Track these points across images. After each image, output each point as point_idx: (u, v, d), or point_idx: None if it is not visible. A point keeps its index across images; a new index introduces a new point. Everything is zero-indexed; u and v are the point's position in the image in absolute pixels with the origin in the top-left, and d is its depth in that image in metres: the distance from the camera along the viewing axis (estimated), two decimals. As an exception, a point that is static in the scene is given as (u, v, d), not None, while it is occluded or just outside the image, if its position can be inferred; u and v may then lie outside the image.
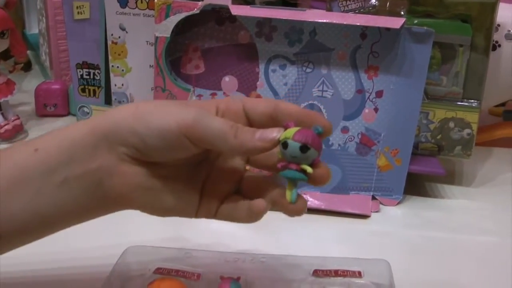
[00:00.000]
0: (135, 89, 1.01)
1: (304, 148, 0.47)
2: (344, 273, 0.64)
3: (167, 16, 0.86)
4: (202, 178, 0.55)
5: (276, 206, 0.53)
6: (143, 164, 0.51)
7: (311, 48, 0.89)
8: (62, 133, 0.51)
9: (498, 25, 0.98)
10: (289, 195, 0.50)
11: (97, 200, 0.51)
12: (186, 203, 0.54)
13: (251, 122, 0.53)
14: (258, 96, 0.90)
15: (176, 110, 0.50)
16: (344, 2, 0.90)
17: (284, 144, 0.48)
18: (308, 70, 0.89)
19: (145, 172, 0.51)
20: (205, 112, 0.50)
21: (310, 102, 0.90)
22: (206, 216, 0.55)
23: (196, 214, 0.54)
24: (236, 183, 0.56)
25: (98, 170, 0.50)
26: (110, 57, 1.01)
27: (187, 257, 0.65)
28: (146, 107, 0.51)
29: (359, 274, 0.64)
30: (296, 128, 0.48)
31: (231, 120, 0.51)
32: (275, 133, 0.48)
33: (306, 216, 0.84)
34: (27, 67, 1.45)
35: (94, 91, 1.08)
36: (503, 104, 1.27)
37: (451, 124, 0.92)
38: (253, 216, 0.53)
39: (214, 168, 0.55)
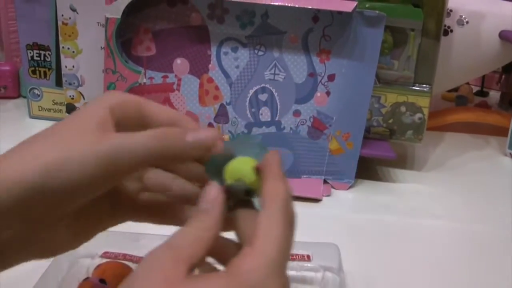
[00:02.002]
0: (86, 71, 1.00)
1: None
2: (293, 257, 0.64)
3: (117, -3, 0.85)
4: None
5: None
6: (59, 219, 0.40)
7: (263, 31, 0.88)
8: None
9: (450, 10, 0.99)
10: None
11: None
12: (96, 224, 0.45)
13: (147, 128, 0.43)
14: (210, 80, 0.89)
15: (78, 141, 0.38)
16: (296, -15, 0.89)
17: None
18: (260, 53, 0.89)
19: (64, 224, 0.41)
20: (118, 135, 0.40)
21: (262, 86, 0.89)
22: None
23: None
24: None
25: None
26: (60, 38, 0.99)
27: (135, 242, 0.65)
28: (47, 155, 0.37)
29: (307, 258, 0.64)
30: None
31: (124, 125, 0.42)
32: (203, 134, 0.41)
33: (256, 200, 0.85)
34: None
35: (45, 72, 1.07)
36: (455, 90, 1.28)
37: (403, 108, 0.92)
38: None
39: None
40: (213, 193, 0.40)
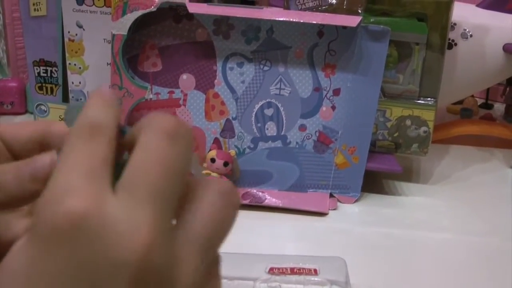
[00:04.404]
0: (93, 87, 1.01)
1: None
2: (300, 271, 0.64)
3: (124, 13, 0.86)
4: None
5: None
6: None
7: (268, 46, 0.89)
8: None
9: (455, 24, 0.99)
10: None
11: None
12: None
13: (16, 154, 0.39)
14: (216, 95, 0.90)
15: None
16: (301, 0, 0.90)
17: None
18: (266, 68, 0.89)
19: None
20: None
21: (267, 100, 0.90)
22: None
23: None
24: None
25: None
26: (67, 55, 1.00)
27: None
28: None
29: (314, 272, 0.64)
30: None
31: None
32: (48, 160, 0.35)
33: (263, 214, 0.85)
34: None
35: (52, 89, 1.07)
36: (460, 102, 1.29)
37: (408, 122, 0.92)
38: None
39: None
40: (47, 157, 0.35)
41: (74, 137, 0.31)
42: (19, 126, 0.39)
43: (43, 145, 0.38)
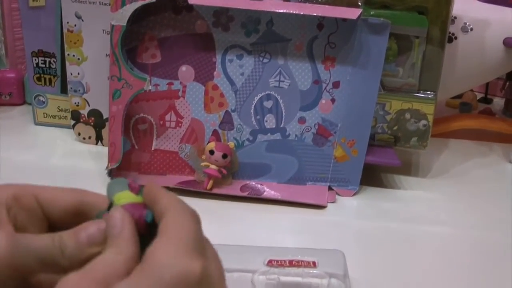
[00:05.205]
0: (91, 78, 1.00)
1: None
2: (299, 263, 0.64)
3: (123, 4, 0.85)
4: None
5: None
6: None
7: (268, 38, 0.88)
8: None
9: (455, 17, 0.99)
10: None
11: None
12: None
13: (52, 219, 0.43)
14: (215, 87, 0.90)
15: None
16: (301, -7, 0.90)
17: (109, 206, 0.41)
18: (265, 60, 0.89)
19: None
20: (17, 237, 0.38)
21: (267, 93, 0.90)
22: None
23: None
24: None
25: None
26: (66, 46, 0.99)
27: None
28: None
29: (313, 264, 0.64)
30: (129, 197, 0.41)
31: (24, 220, 0.41)
32: (95, 229, 0.39)
33: (261, 207, 0.85)
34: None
35: (50, 79, 1.07)
36: (459, 96, 1.28)
37: (407, 115, 0.92)
38: None
39: None
40: (118, 215, 0.39)
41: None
42: (57, 192, 0.43)
43: (77, 212, 0.43)
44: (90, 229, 0.39)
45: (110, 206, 0.41)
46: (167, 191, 0.41)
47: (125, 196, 0.41)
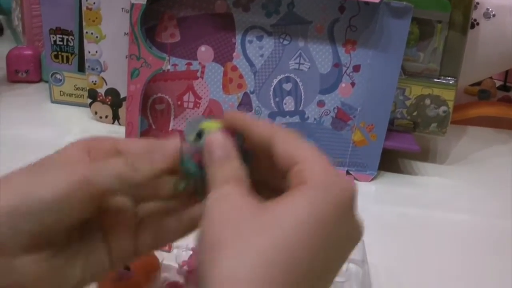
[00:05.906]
0: (109, 57, 1.00)
1: None
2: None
3: (143, -18, 0.85)
4: (97, 231, 0.42)
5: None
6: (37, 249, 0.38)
7: (288, 20, 0.88)
8: None
9: (477, 3, 0.97)
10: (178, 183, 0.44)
11: None
12: (96, 264, 0.42)
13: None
14: (234, 68, 0.89)
15: (57, 173, 0.39)
16: (323, -26, 0.89)
17: (200, 134, 0.42)
18: (285, 42, 0.88)
19: (43, 257, 0.38)
20: (90, 164, 0.41)
21: (286, 75, 0.89)
22: (126, 261, 0.45)
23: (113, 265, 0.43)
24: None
25: None
26: (84, 23, 0.98)
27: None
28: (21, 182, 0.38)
29: (331, 249, 0.63)
30: (217, 124, 0.42)
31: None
32: (173, 146, 0.42)
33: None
34: (-1, 31, 1.44)
35: (68, 57, 1.07)
36: (478, 84, 1.27)
37: (427, 101, 0.91)
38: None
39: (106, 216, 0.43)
40: (220, 137, 0.41)
41: None
42: (130, 141, 0.47)
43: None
44: (166, 146, 0.42)
45: (200, 134, 0.42)
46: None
47: (214, 125, 0.42)
